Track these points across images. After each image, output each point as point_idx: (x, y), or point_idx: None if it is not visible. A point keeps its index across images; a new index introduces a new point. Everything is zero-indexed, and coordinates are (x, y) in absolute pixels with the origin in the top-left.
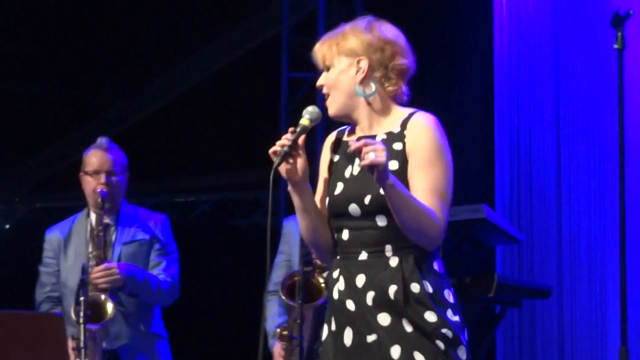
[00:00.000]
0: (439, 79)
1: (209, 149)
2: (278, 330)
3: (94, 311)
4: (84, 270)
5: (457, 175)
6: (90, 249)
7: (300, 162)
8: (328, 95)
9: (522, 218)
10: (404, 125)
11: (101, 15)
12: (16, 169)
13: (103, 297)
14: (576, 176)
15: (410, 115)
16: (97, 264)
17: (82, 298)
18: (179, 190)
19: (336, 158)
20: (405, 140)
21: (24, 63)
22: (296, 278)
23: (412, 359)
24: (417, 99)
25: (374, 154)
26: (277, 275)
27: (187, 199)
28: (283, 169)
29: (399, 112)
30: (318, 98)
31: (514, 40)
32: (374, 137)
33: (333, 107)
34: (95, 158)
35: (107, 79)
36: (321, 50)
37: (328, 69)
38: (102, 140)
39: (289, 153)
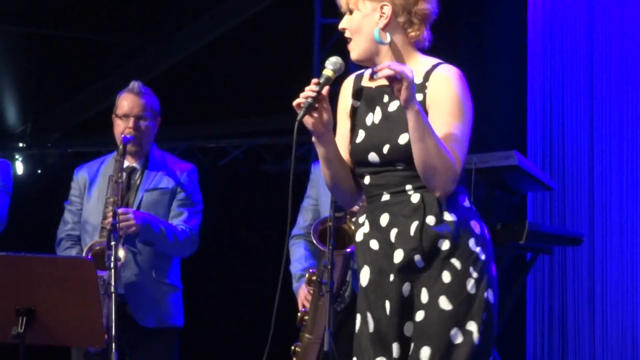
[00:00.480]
0: (471, 24)
1: (241, 95)
2: (307, 275)
3: (104, 258)
4: (115, 215)
5: (489, 122)
6: (107, 195)
7: (325, 114)
8: (350, 39)
9: (554, 165)
10: (426, 76)
11: None
12: (48, 114)
13: (114, 243)
14: (609, 123)
15: (434, 67)
16: (112, 210)
17: (113, 243)
18: (211, 136)
19: (357, 104)
20: (427, 91)
21: (54, 8)
22: (329, 223)
23: (419, 296)
24: (449, 46)
25: (395, 67)
26: (303, 219)
27: (218, 145)
28: (308, 120)
29: (422, 62)
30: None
31: None
32: None
33: (356, 51)
34: (126, 101)
35: (140, 24)
36: None
37: (351, 12)
38: (134, 84)
39: (313, 105)
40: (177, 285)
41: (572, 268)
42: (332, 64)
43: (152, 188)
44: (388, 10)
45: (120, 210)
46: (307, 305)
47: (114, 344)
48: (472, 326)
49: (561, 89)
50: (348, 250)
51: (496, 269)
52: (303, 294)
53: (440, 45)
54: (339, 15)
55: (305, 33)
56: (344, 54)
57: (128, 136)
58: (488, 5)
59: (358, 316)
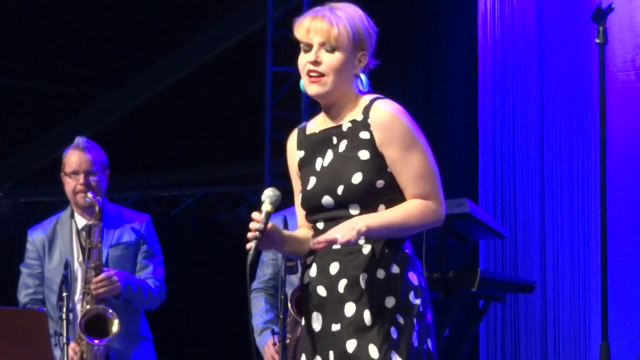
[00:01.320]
0: (421, 71)
1: (193, 143)
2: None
3: (99, 324)
4: (67, 266)
5: (440, 169)
6: (88, 262)
7: (273, 236)
8: (322, 74)
9: (505, 212)
10: (366, 112)
11: (86, 9)
12: (0, 164)
13: (111, 312)
14: (559, 170)
15: (371, 102)
16: (97, 274)
17: (64, 294)
18: (163, 185)
19: (303, 154)
20: (371, 129)
21: (6, 56)
22: (281, 273)
23: (366, 351)
24: (401, 91)
25: (341, 236)
26: (263, 273)
27: (170, 194)
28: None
29: (360, 100)
30: (302, 92)
31: (498, 31)
32: (340, 126)
33: (325, 88)
34: (73, 158)
35: (92, 73)
36: (333, 29)
37: (333, 50)
38: (79, 140)
39: (261, 241)
40: (148, 336)
41: (524, 315)
42: (268, 197)
43: (116, 244)
44: (365, 59)
45: (104, 275)
46: None
47: None
48: None
49: (512, 136)
50: None
51: (433, 315)
52: (270, 353)
53: (392, 91)
54: (290, 64)
55: (257, 81)
56: (295, 102)
57: (99, 198)
58: (438, 50)
59: (303, 356)
